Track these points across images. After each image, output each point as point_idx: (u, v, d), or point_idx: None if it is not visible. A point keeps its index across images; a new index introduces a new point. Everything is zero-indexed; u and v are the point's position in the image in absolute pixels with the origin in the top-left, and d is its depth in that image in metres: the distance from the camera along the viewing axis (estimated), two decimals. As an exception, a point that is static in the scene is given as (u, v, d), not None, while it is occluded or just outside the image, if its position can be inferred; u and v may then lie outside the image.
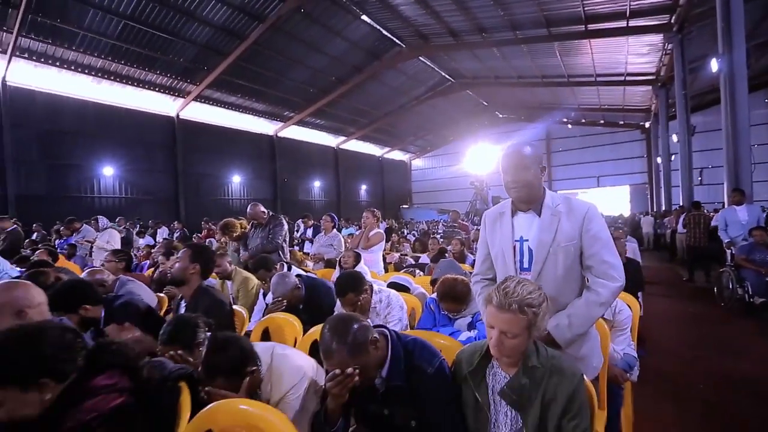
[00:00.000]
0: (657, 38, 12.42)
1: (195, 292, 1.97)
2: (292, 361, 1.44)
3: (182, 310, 2.01)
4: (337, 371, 1.17)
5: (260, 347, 1.45)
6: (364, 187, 27.38)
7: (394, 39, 15.65)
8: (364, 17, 14.02)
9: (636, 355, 2.40)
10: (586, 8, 11.55)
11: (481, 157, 22.01)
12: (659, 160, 16.00)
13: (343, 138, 24.09)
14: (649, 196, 21.75)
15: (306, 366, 1.45)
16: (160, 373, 1.21)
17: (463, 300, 2.22)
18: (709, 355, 3.89)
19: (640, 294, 4.82)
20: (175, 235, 11.49)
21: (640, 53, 13.94)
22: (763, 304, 4.76)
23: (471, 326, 2.16)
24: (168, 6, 11.25)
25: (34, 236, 8.89)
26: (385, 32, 15.09)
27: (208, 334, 1.57)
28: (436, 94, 21.23)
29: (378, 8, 13.57)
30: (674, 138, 11.85)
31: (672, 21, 11.14)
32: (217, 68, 14.07)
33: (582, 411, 1.14)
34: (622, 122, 23.30)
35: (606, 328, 2.05)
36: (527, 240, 1.56)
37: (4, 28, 10.52)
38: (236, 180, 18.86)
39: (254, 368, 1.35)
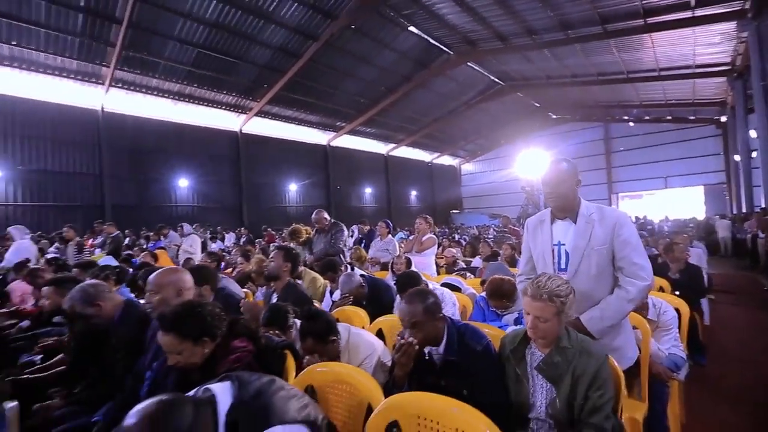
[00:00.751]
0: (730, 26, 11.51)
1: (285, 286, 2.42)
2: (365, 337, 1.80)
3: (273, 301, 2.46)
4: (403, 341, 1.50)
5: (340, 326, 1.83)
6: (414, 192, 27.69)
7: (442, 47, 15.88)
8: (412, 28, 14.41)
9: (684, 356, 2.47)
10: (644, 1, 11.04)
11: (532, 161, 21.44)
12: (737, 157, 14.67)
13: (392, 145, 24.63)
14: (727, 197, 19.85)
15: (376, 343, 1.81)
16: (271, 343, 1.62)
17: (510, 297, 2.45)
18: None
19: (704, 301, 4.68)
20: (242, 240, 12.59)
21: (711, 43, 12.95)
22: None
23: (517, 321, 2.39)
24: (234, 33, 12.43)
25: (127, 241, 10.27)
26: (432, 41, 15.38)
27: (296, 320, 1.97)
28: (485, 98, 21.08)
29: (425, 18, 13.90)
30: (753, 133, 10.89)
31: (746, 7, 10.30)
32: (275, 85, 15.19)
33: (606, 385, 1.36)
34: (693, 117, 21.51)
35: (647, 326, 2.18)
36: (564, 244, 1.79)
37: (104, 63, 12.24)
38: (293, 188, 20.04)
39: (335, 338, 1.73)
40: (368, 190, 24.15)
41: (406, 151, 26.24)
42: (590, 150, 24.61)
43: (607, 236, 1.71)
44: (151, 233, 8.88)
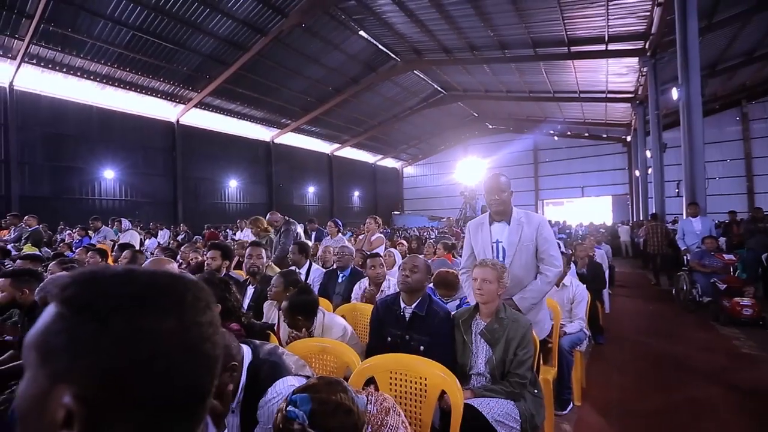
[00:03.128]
0: (634, 61, 13.41)
1: (262, 279, 2.63)
2: (338, 320, 2.10)
3: (250, 293, 2.65)
4: None
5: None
6: (356, 193, 28.04)
7: (390, 53, 16.44)
8: (362, 33, 14.77)
9: (587, 333, 3.10)
10: (568, 32, 12.47)
11: (470, 168, 22.87)
12: (637, 173, 17.01)
13: (337, 145, 24.76)
14: (629, 207, 22.82)
15: (346, 325, 2.11)
16: (255, 325, 1.86)
17: (453, 287, 2.89)
18: (655, 342, 4.63)
19: (605, 292, 5.58)
20: (180, 237, 11.97)
21: (619, 73, 14.93)
22: (708, 302, 5.53)
23: (459, 307, 2.83)
24: (176, 18, 11.83)
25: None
26: (381, 47, 15.87)
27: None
28: (428, 105, 22.07)
29: (375, 25, 14.33)
30: (648, 153, 12.78)
31: (645, 47, 12.10)
32: (219, 77, 14.65)
33: (529, 346, 1.82)
34: (605, 135, 24.40)
35: (559, 309, 2.74)
36: (501, 242, 2.27)
37: (17, 35, 10.97)
38: (233, 185, 19.35)
39: (315, 317, 2.01)
40: (311, 189, 24.04)
41: (350, 152, 26.51)
42: (521, 159, 26.81)
43: (533, 235, 2.22)
44: (76, 228, 8.19)
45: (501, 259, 2.24)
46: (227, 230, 15.16)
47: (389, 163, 31.32)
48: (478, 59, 15.47)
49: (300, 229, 5.57)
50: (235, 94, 16.30)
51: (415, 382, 1.54)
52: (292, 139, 21.81)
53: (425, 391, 1.51)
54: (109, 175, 14.66)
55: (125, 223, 6.70)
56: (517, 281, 2.19)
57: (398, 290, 2.12)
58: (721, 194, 18.33)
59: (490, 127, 27.66)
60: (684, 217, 6.86)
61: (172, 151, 16.64)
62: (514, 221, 2.27)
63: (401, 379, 1.57)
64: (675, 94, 7.05)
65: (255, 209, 17.68)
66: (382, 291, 2.96)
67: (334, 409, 0.90)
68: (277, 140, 21.10)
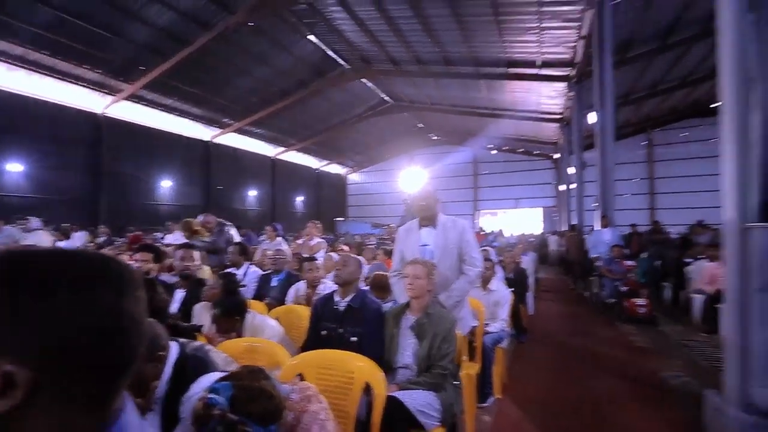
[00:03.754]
0: (562, 85, 14.76)
1: (191, 284, 2.54)
2: (269, 322, 2.11)
3: (178, 296, 2.55)
4: None
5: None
6: (300, 198, 27.54)
7: (339, 60, 16.52)
8: (311, 37, 14.71)
9: (508, 332, 3.39)
10: (507, 54, 13.44)
11: (413, 177, 23.51)
12: (562, 187, 18.64)
13: (282, 149, 24.22)
14: (556, 218, 24.86)
15: (277, 327, 2.13)
16: (181, 326, 1.83)
17: (387, 289, 3.01)
18: (570, 339, 5.14)
19: (529, 295, 6.06)
20: (100, 240, 10.91)
21: (549, 95, 16.32)
22: (613, 303, 6.24)
23: (393, 308, 2.96)
24: (110, 3, 10.95)
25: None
26: (330, 53, 15.90)
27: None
28: (375, 114, 22.41)
29: (325, 30, 14.35)
30: (571, 170, 14.09)
31: (572, 74, 13.39)
32: (155, 69, 13.73)
33: (452, 341, 1.99)
34: (537, 152, 26.43)
35: (482, 308, 2.97)
36: (429, 245, 2.44)
37: None
38: (166, 185, 18.11)
39: (242, 319, 2.02)
40: (252, 193, 23.21)
41: (295, 156, 26.04)
42: (462, 171, 28.10)
43: (457, 238, 2.42)
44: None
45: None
46: (156, 233, 14.16)
47: (334, 169, 31.21)
48: (424, 72, 16.08)
49: (234, 231, 5.42)
50: (173, 89, 15.35)
51: (342, 377, 1.62)
52: (233, 140, 20.96)
53: (351, 384, 1.60)
54: (15, 168, 13.03)
55: (34, 222, 6.02)
56: (444, 281, 2.39)
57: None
58: (630, 209, 20.65)
59: (434, 138, 28.70)
60: (597, 228, 7.67)
61: (96, 146, 15.21)
62: (440, 226, 2.48)
63: (329, 375, 1.63)
64: (592, 118, 7.92)
65: (190, 212, 16.64)
66: (317, 294, 3.00)
67: (255, 395, 0.95)
68: (217, 140, 20.15)
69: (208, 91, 16.07)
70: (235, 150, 21.45)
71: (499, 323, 3.27)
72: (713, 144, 19.67)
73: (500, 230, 20.59)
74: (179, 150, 18.47)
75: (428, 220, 2.50)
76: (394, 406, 1.67)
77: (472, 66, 14.63)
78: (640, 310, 5.71)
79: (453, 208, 25.68)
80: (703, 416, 2.71)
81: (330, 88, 18.42)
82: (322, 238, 5.46)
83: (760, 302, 2.20)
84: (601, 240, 7.14)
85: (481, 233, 14.22)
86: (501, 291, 3.49)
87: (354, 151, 28.61)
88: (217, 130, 19.54)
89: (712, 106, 15.92)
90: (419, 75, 16.43)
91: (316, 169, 29.19)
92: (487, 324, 3.14)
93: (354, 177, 32.83)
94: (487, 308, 3.26)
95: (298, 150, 25.00)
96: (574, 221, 13.73)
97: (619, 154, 15.37)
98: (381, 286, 2.99)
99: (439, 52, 14.14)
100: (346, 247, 6.96)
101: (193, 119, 18.05)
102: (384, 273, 3.08)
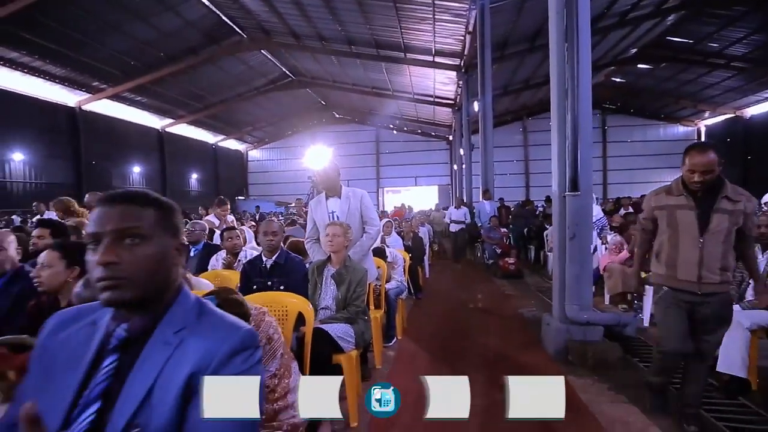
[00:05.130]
0: (453, 73, 16.19)
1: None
2: (202, 280, 2.35)
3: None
4: None
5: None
6: (195, 175, 25.41)
7: (235, 27, 15.50)
8: (203, -1, 13.53)
9: (405, 285, 4.08)
10: (405, 40, 14.20)
11: (318, 154, 23.51)
12: (455, 167, 20.66)
13: (170, 120, 21.87)
14: (450, 195, 27.40)
15: (210, 284, 2.39)
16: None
17: (303, 253, 3.41)
18: (458, 293, 6.19)
19: (425, 260, 6.97)
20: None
21: (443, 82, 17.73)
22: (492, 263, 7.56)
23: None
24: None
25: None
26: (225, 19, 14.82)
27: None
28: (276, 88, 21.60)
29: (218, -7, 13.34)
30: (461, 151, 15.76)
31: (461, 64, 14.80)
32: (-5, 14, 11.24)
33: (364, 285, 2.53)
34: (433, 134, 28.47)
35: (385, 264, 3.58)
36: (335, 212, 2.95)
37: None
38: (18, 158, 15.16)
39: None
40: (137, 169, 20.69)
41: (187, 130, 23.78)
42: (365, 149, 28.88)
43: (358, 204, 2.99)
44: None
45: None
46: (13, 216, 12.11)
47: (233, 144, 29.33)
48: (327, 50, 16.07)
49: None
50: (21, 41, 12.72)
51: (278, 311, 1.99)
52: (109, 107, 18.25)
53: (286, 316, 1.99)
54: None
55: None
56: (353, 240, 2.88)
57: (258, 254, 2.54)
58: (510, 186, 23.88)
59: (337, 116, 28.83)
60: (479, 200, 9.01)
61: None
62: (344, 196, 3.00)
63: (269, 310, 2.00)
64: (476, 106, 9.11)
65: (55, 191, 14.27)
66: (239, 261, 3.25)
67: (233, 303, 1.30)
68: (86, 107, 17.34)
69: (72, 48, 13.68)
70: (113, 120, 18.75)
71: (394, 282, 3.94)
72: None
73: (402, 204, 22.04)
74: (35, 117, 15.50)
75: (333, 191, 2.98)
76: (319, 334, 2.12)
77: (373, 48, 15.12)
78: (511, 267, 7.07)
79: (357, 185, 25.87)
80: (541, 332, 3.76)
81: (226, 57, 17.19)
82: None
83: (571, 248, 3.18)
84: (483, 210, 8.45)
85: (403, 209, 15.21)
86: (395, 255, 4.17)
87: (254, 126, 27.22)
88: (86, 95, 16.83)
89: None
90: (321, 52, 16.35)
91: (213, 145, 27.09)
92: (388, 280, 3.77)
93: (255, 153, 31.27)
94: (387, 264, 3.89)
95: (190, 123, 22.86)
96: (465, 197, 15.48)
97: (501, 138, 17.65)
98: (297, 251, 3.36)
99: (341, 31, 14.28)
100: (254, 222, 7.06)
101: (53, 80, 15.25)
102: (299, 239, 3.47)
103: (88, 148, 17.46)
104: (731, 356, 2.47)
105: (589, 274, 3.29)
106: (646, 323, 3.98)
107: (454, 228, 9.19)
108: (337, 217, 2.90)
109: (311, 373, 1.96)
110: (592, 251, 3.68)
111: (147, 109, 19.83)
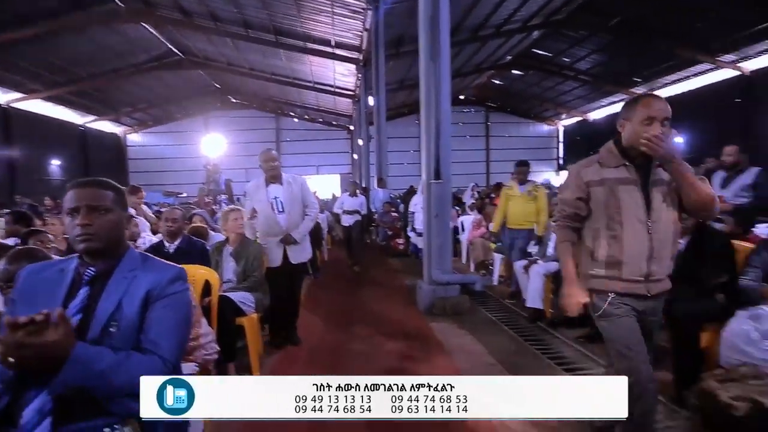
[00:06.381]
0: (353, 66, 16.75)
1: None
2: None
3: None
4: None
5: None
6: (56, 162, 21.71)
7: (108, -6, 13.75)
8: (64, -44, 11.72)
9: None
10: (305, 29, 14.26)
11: (214, 141, 22.10)
12: (356, 156, 21.44)
13: (19, 95, 18.26)
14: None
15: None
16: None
17: (204, 236, 3.67)
18: (352, 272, 6.89)
19: (324, 244, 7.51)
20: None
21: (343, 73, 18.18)
22: (385, 244, 8.45)
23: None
24: None
25: None
26: (94, -18, 13.05)
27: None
28: (161, 66, 19.55)
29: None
30: (360, 142, 16.54)
31: (361, 58, 15.43)
32: None
33: (259, 259, 2.98)
34: (335, 123, 28.82)
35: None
36: (279, 197, 3.28)
37: None
38: None
39: None
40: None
41: (44, 107, 20.10)
42: (264, 137, 27.85)
43: (299, 189, 3.36)
44: None
45: (281, 210, 3.28)
46: None
47: (107, 126, 25.65)
48: (221, 31, 15.25)
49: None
50: None
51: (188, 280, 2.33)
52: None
53: (195, 283, 2.33)
54: None
55: None
56: (295, 223, 3.30)
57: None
58: (408, 175, 25.54)
59: (234, 101, 27.31)
60: (375, 188, 9.83)
61: None
62: (285, 182, 3.32)
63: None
64: (371, 101, 9.84)
65: None
66: (138, 247, 3.37)
67: None
68: None
69: None
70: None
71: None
72: (465, 127, 25.92)
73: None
74: None
75: (275, 177, 3.26)
76: (224, 300, 2.51)
77: (272, 34, 14.85)
78: (400, 247, 8.03)
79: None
80: (415, 295, 4.63)
81: (96, 26, 15.08)
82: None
83: (435, 224, 4.04)
84: (377, 198, 9.27)
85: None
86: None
87: (133, 107, 24.22)
88: None
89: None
90: (214, 32, 15.44)
91: (81, 126, 23.36)
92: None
93: (135, 138, 27.84)
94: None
95: (46, 99, 19.40)
96: (364, 185, 16.29)
97: (398, 129, 18.90)
98: (199, 234, 3.61)
99: (237, 12, 13.73)
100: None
101: None
102: (201, 225, 3.71)
103: None
104: (534, 295, 3.53)
105: (449, 245, 4.21)
106: (495, 282, 5.18)
107: (347, 221, 7.21)
108: (281, 203, 3.21)
109: (218, 334, 2.35)
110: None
111: (-14, 79, 16.35)
